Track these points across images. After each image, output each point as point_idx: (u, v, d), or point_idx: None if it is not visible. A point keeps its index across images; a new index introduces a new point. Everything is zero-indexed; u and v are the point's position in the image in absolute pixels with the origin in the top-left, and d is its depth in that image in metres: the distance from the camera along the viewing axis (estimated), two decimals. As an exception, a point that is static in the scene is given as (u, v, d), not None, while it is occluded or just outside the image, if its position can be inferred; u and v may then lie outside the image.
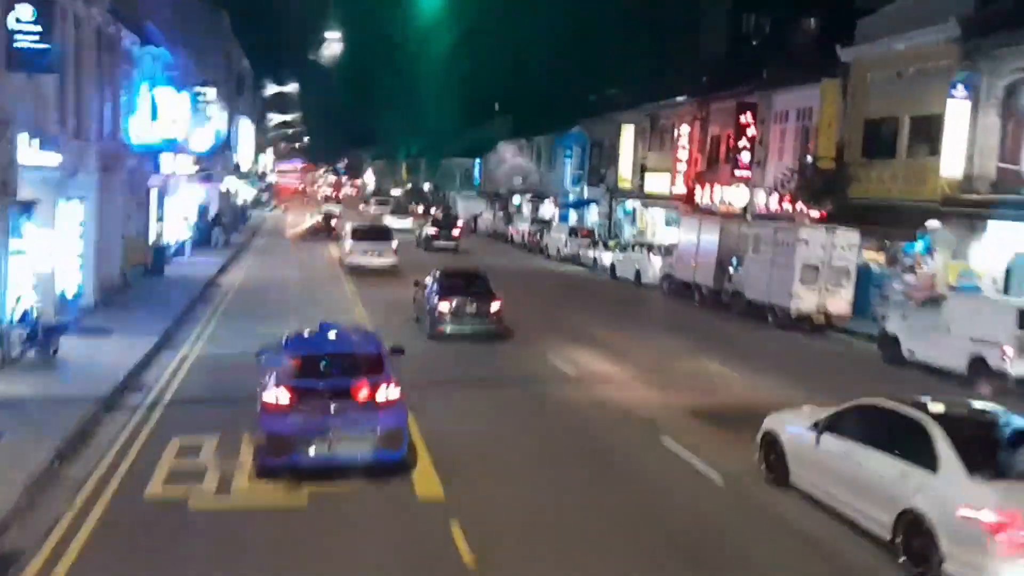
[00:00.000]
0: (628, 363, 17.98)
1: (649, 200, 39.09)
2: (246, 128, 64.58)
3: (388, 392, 10.41)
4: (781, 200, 28.74)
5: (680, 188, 35.11)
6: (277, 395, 10.15)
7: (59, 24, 16.98)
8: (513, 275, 33.82)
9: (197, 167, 35.81)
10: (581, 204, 47.34)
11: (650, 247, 32.03)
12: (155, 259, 27.32)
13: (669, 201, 36.50)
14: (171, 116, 27.45)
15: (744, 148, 30.15)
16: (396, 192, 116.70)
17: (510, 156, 61.45)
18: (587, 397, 15.08)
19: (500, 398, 14.87)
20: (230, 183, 53.85)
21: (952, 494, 8.08)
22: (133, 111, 25.31)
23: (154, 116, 26.94)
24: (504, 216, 56.60)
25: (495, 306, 19.58)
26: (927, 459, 8.47)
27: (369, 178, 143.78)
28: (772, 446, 10.78)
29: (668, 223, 39.06)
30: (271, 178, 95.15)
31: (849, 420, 9.78)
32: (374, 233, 32.91)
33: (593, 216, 47.38)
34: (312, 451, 9.99)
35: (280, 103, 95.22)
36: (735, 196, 30.76)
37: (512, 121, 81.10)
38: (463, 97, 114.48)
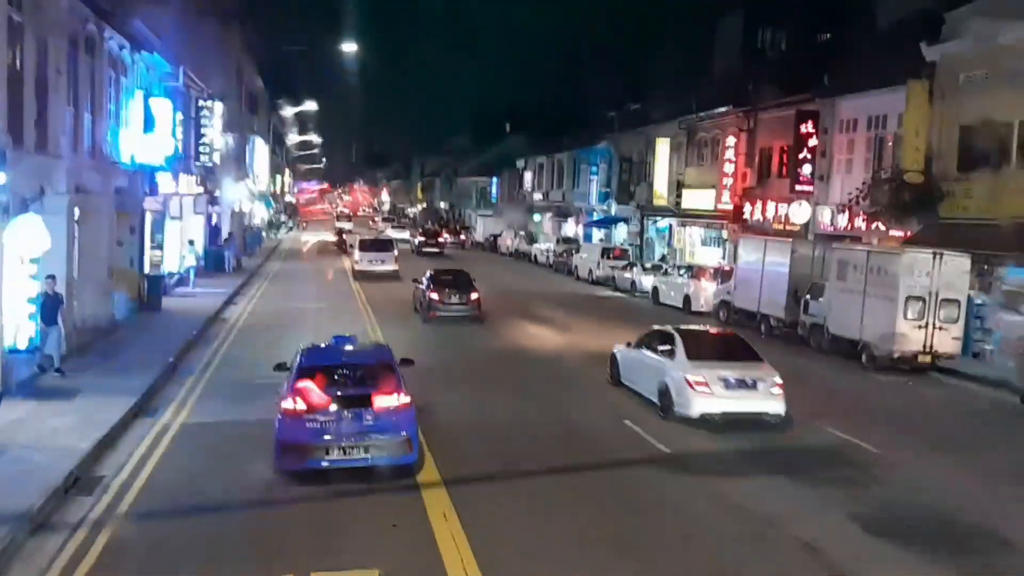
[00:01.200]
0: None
1: (687, 218, 34.71)
2: (261, 148, 60.56)
3: (398, 400, 10.51)
4: (852, 218, 24.38)
5: (727, 205, 30.71)
6: (291, 402, 10.32)
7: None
8: (545, 300, 29.58)
9: (203, 187, 31.73)
10: (609, 222, 42.99)
11: (700, 270, 27.56)
12: (151, 292, 23.02)
13: (713, 219, 32.13)
14: (169, 130, 23.24)
15: (805, 160, 25.80)
16: (412, 211, 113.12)
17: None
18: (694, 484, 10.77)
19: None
20: (244, 204, 49.78)
21: (680, 370, 13.56)
22: (123, 124, 21.14)
23: (149, 130, 22.75)
24: (526, 235, 52.28)
25: (474, 296, 23.51)
26: (672, 354, 14.02)
27: (385, 198, 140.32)
28: (612, 361, 16.10)
29: (705, 242, 34.77)
30: (288, 198, 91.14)
31: (643, 340, 15.32)
32: (378, 244, 36.80)
33: (621, 235, 43.04)
34: (328, 456, 10.11)
35: (296, 124, 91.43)
36: (795, 213, 26.37)
37: (525, 140, 77.52)
38: (476, 116, 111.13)
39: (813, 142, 25.62)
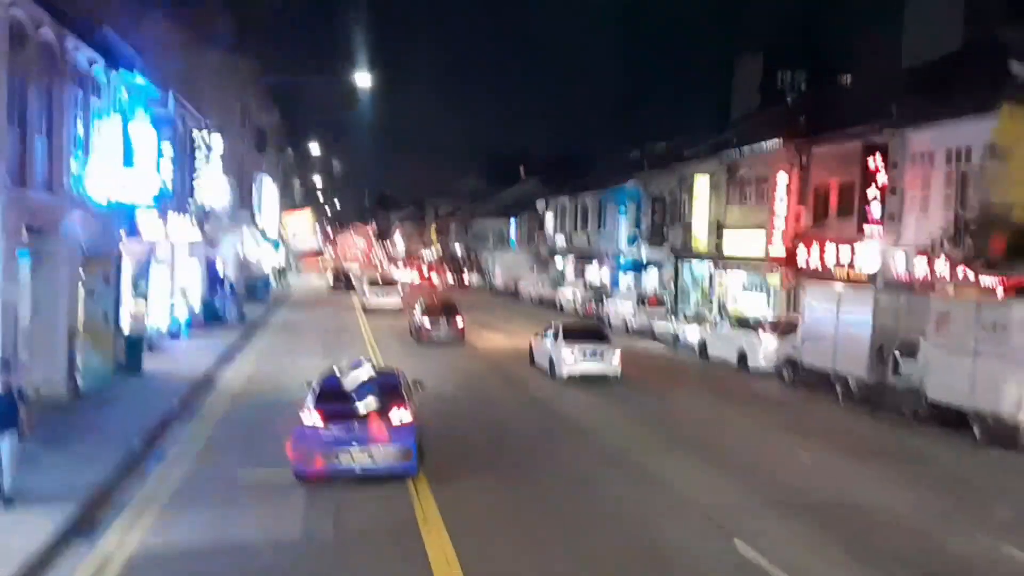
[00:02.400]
0: (836, 530, 10.13)
1: (729, 262, 31.42)
2: (269, 188, 57.85)
3: (401, 416, 11.99)
4: (931, 262, 21.02)
5: (777, 248, 27.41)
6: (311, 417, 11.92)
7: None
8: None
9: (199, 230, 28.76)
10: (640, 267, 39.70)
11: (758, 323, 24.13)
12: (129, 352, 19.83)
13: (760, 263, 28.81)
14: (152, 163, 20.30)
15: (874, 199, 22.53)
16: (425, 253, 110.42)
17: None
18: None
19: None
20: (249, 248, 46.89)
21: (560, 347, 20.71)
22: (92, 153, 18.15)
23: (128, 162, 19.80)
24: (551, 280, 49.10)
25: (459, 322, 27.97)
26: (557, 337, 21.24)
27: (398, 240, 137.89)
28: (529, 349, 23.58)
29: (748, 288, 31.42)
30: (298, 241, 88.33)
31: (540, 332, 23.00)
32: (385, 282, 43.44)
33: (652, 280, 39.75)
34: (339, 462, 11.55)
35: (306, 166, 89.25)
36: (862, 258, 23.04)
37: (540, 182, 74.95)
38: (489, 158, 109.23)
39: (882, 178, 22.36)
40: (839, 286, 20.88)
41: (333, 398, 12.17)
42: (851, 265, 23.64)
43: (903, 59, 27.42)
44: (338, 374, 12.91)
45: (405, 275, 62.23)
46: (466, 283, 66.02)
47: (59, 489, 10.69)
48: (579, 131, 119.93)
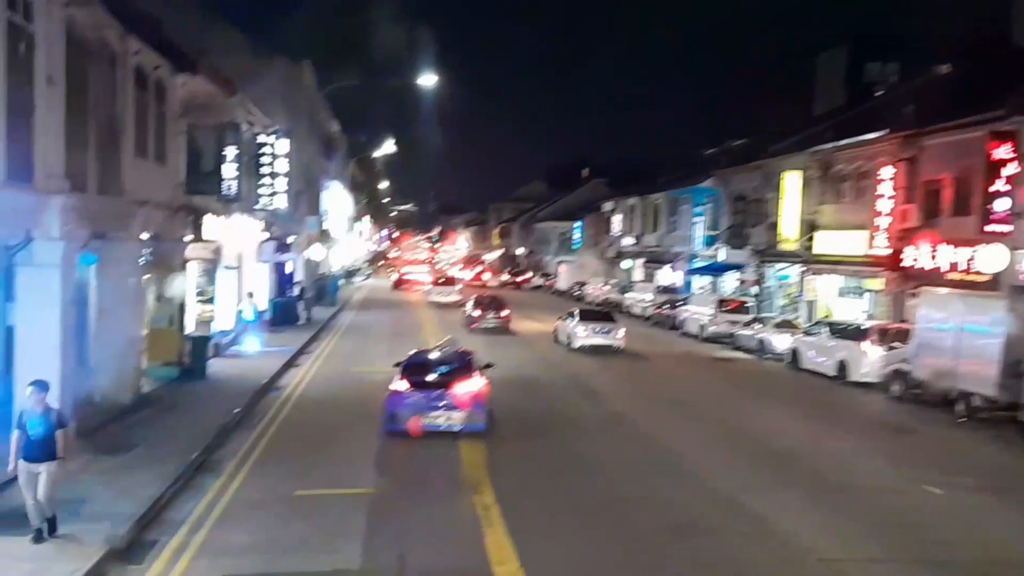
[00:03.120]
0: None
1: (821, 264, 29.31)
2: (337, 194, 57.58)
3: (471, 386, 14.45)
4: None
5: (880, 249, 25.28)
6: (399, 385, 14.47)
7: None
8: (657, 362, 24.58)
9: (268, 233, 28.08)
10: (717, 269, 37.71)
11: (861, 331, 22.10)
12: (195, 356, 19.04)
13: (860, 266, 26.70)
14: (213, 164, 19.49)
15: (1000, 193, 20.35)
16: (488, 257, 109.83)
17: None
18: None
19: None
20: (316, 252, 46.46)
21: (575, 326, 26.46)
22: (153, 156, 17.38)
23: (193, 166, 19.05)
24: (617, 284, 47.34)
25: (504, 313, 31.78)
26: (574, 318, 27.00)
27: (462, 244, 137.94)
28: (554, 330, 28.66)
29: (843, 293, 29.26)
30: (369, 246, 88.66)
31: (562, 317, 28.47)
32: (445, 281, 49.08)
33: (730, 284, 37.74)
34: (424, 421, 13.98)
35: (373, 172, 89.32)
36: (984, 259, 20.86)
37: (605, 183, 73.29)
38: (552, 162, 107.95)
39: (1011, 170, 20.14)
40: (961, 292, 18.78)
41: (418, 370, 15.00)
42: (968, 268, 21.48)
43: (1015, 40, 25.39)
44: (424, 352, 16.47)
45: (463, 275, 65.78)
46: (522, 284, 68.24)
47: (110, 506, 9.74)
48: (647, 132, 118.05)
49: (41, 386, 9.08)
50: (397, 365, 15.48)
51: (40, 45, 11.92)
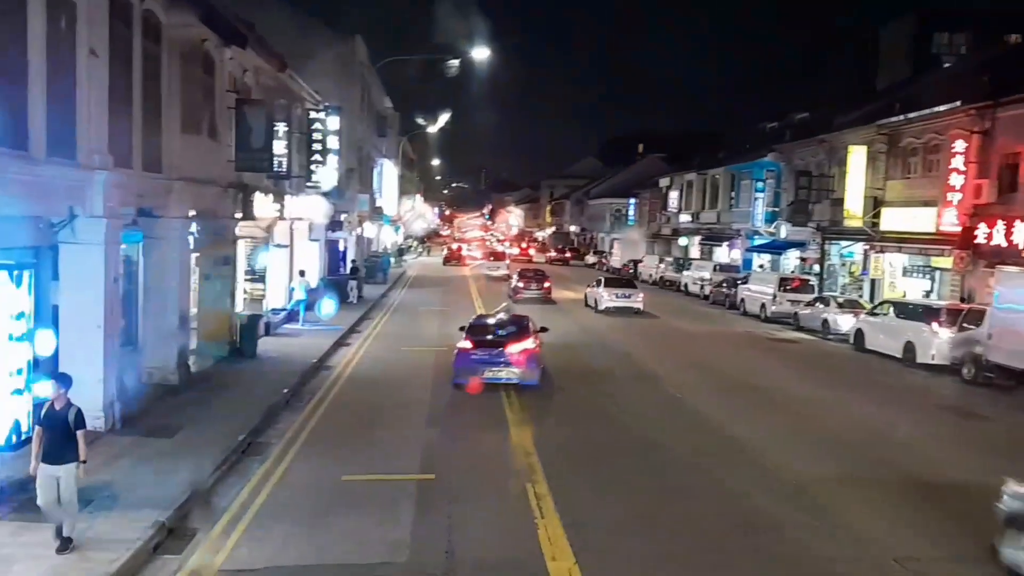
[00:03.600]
0: None
1: (886, 242, 27.96)
2: (389, 171, 57.43)
3: (527, 346, 16.38)
4: None
5: (951, 225, 23.93)
6: (465, 344, 16.44)
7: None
8: (712, 343, 23.74)
9: (319, 211, 27.86)
10: (778, 247, 36.45)
11: (931, 311, 20.92)
12: (244, 335, 18.88)
13: (928, 243, 25.37)
14: (263, 141, 19.20)
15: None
16: (540, 235, 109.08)
17: None
18: None
19: None
20: (368, 230, 46.42)
21: (601, 291, 31.10)
22: (203, 132, 17.13)
23: (242, 142, 18.78)
24: (675, 262, 46.25)
25: (546, 285, 34.65)
26: (600, 285, 31.81)
27: (513, 221, 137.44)
28: (584, 296, 33.02)
29: (909, 272, 27.93)
30: (417, 224, 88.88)
31: (592, 285, 32.81)
32: (495, 256, 53.82)
33: (791, 262, 36.46)
34: (487, 375, 15.96)
35: (426, 150, 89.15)
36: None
37: (661, 159, 71.77)
38: (606, 138, 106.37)
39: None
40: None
41: (481, 331, 17.07)
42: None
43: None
44: (485, 316, 19.14)
45: (511, 251, 67.60)
46: (569, 260, 70.37)
47: (151, 492, 9.48)
48: (704, 107, 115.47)
49: (64, 380, 8.39)
50: (462, 329, 17.44)
51: (82, 17, 11.62)
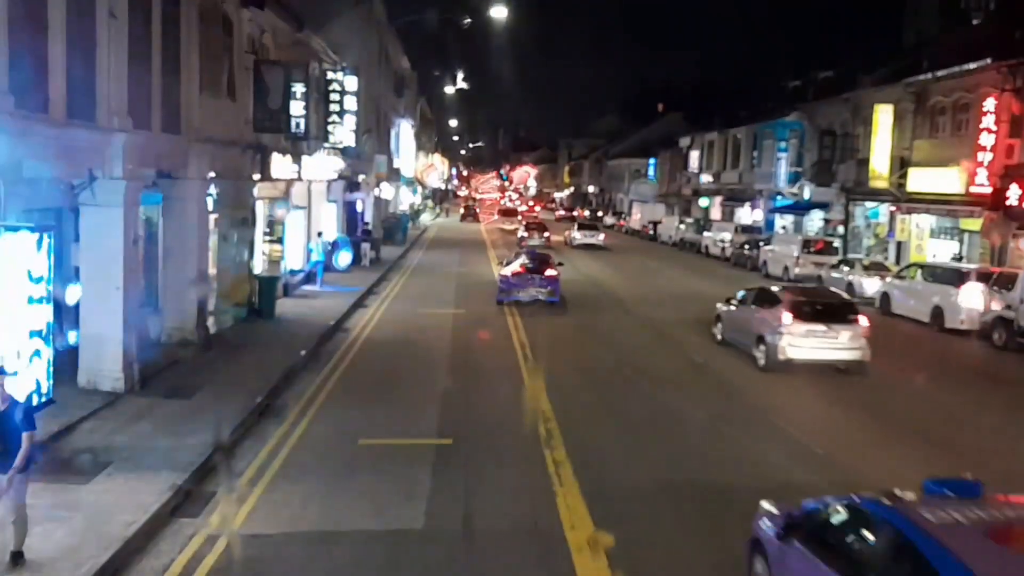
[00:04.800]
0: None
1: (913, 203, 27.40)
2: (406, 131, 56.99)
3: (551, 271, 22.22)
4: None
5: (982, 187, 23.36)
6: (508, 272, 22.40)
7: None
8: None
9: (336, 172, 27.67)
10: (802, 208, 35.88)
11: (960, 274, 20.50)
12: (263, 296, 18.87)
13: (957, 205, 24.82)
14: (281, 101, 18.96)
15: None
16: (558, 195, 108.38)
17: None
18: None
19: None
20: (387, 190, 46.17)
21: (574, 232, 45.43)
22: (222, 93, 16.94)
23: (260, 102, 18.56)
24: (695, 223, 45.74)
25: (547, 235, 41.01)
26: (575, 227, 46.34)
27: (531, 182, 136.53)
28: (564, 238, 44.75)
29: (936, 233, 27.40)
30: (437, 183, 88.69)
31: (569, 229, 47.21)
32: (508, 213, 64.45)
33: (815, 223, 35.92)
34: (521, 295, 21.65)
35: (444, 109, 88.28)
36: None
37: (682, 118, 70.54)
38: (626, 96, 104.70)
39: None
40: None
41: (523, 263, 22.84)
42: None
43: None
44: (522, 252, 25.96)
45: (521, 209, 76.81)
46: (577, 217, 68.14)
47: (169, 454, 9.49)
48: (727, 62, 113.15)
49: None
50: (501, 264, 25.96)
51: (100, -22, 11.40)
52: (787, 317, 14.83)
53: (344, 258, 27.12)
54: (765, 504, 6.90)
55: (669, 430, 11.76)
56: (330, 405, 12.49)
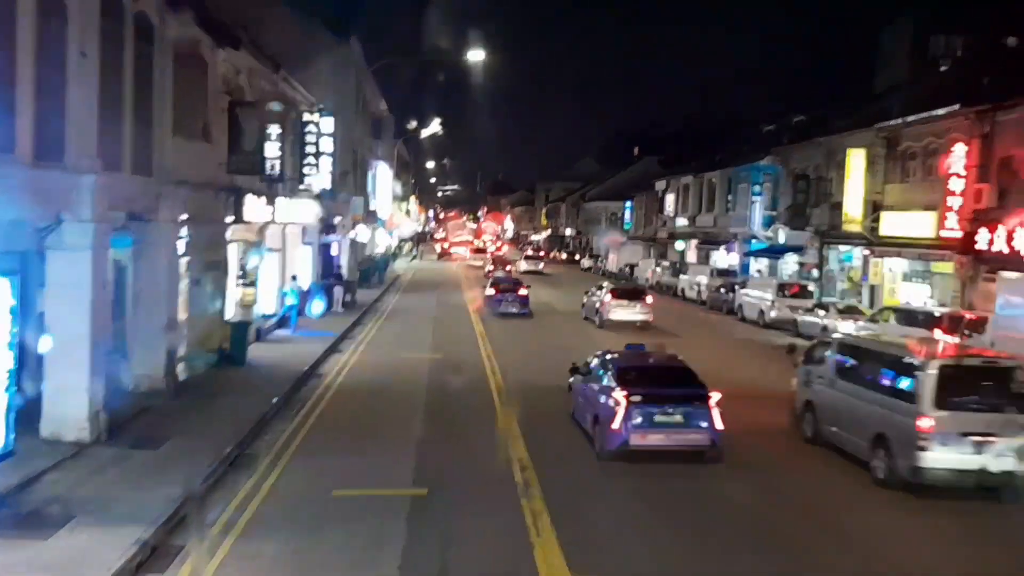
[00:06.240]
0: None
1: (886, 247, 27.80)
2: (384, 174, 57.11)
3: (524, 291, 31.79)
4: None
5: (953, 231, 23.75)
6: (490, 291, 32.20)
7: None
8: (713, 349, 23.39)
9: (312, 214, 27.57)
10: (776, 251, 36.27)
11: (929, 317, 20.74)
12: (235, 341, 18.59)
13: (928, 248, 25.20)
14: (256, 143, 18.93)
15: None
16: (535, 238, 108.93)
17: None
18: None
19: None
20: (362, 233, 46.08)
21: (520, 262, 57.41)
22: (196, 135, 16.88)
23: (237, 145, 18.51)
24: (671, 266, 46.03)
25: (509, 268, 48.90)
26: (523, 259, 61.19)
27: (508, 224, 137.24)
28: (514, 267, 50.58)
29: (909, 277, 27.76)
30: (414, 226, 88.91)
31: (522, 257, 63.50)
32: (479, 252, 72.75)
33: (789, 266, 36.30)
34: (501, 308, 30.62)
35: (421, 152, 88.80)
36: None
37: (658, 162, 71.54)
38: (603, 140, 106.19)
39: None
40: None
41: (500, 283, 32.86)
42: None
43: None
44: (499, 276, 36.47)
45: (491, 249, 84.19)
46: (543, 258, 68.15)
47: (135, 507, 9.20)
48: (702, 108, 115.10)
49: None
50: (484, 286, 34.45)
51: (73, 18, 11.39)
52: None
53: (317, 306, 26.85)
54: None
55: (643, 470, 11.62)
56: (303, 454, 12.24)
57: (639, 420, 11.68)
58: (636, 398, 11.81)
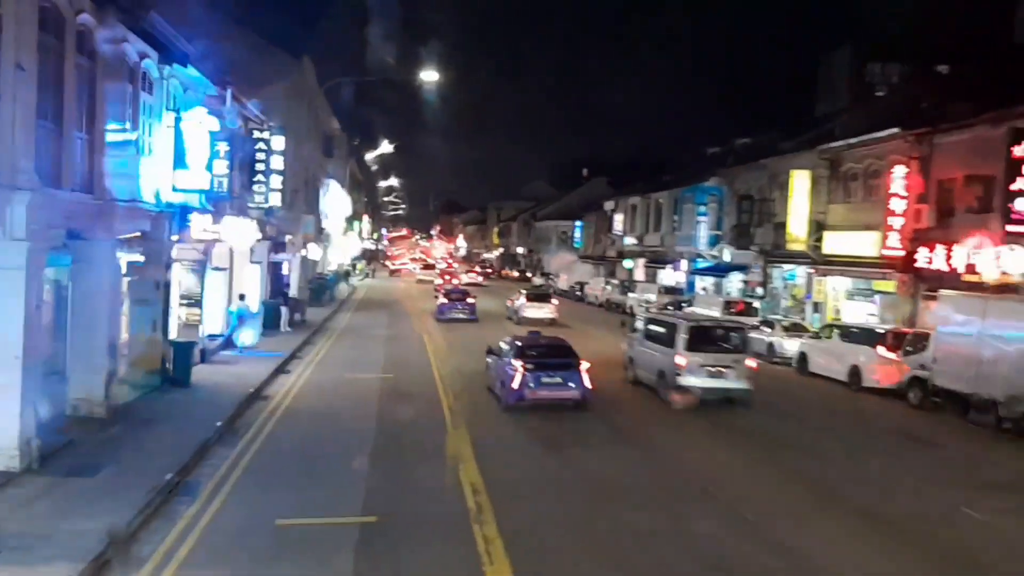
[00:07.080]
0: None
1: (829, 266, 28.20)
2: (336, 192, 56.33)
3: (472, 300, 35.73)
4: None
5: (894, 250, 24.16)
6: (441, 301, 36.08)
7: None
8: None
9: (261, 233, 26.87)
10: (721, 270, 36.61)
11: (872, 334, 21.00)
12: (177, 363, 17.86)
13: (870, 267, 25.61)
14: (205, 161, 18.32)
15: (1021, 192, 19.25)
16: (487, 256, 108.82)
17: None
18: None
19: None
20: (313, 251, 45.28)
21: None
22: (143, 152, 16.27)
23: (180, 162, 17.87)
24: (620, 285, 46.16)
25: (455, 280, 54.44)
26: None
27: (461, 243, 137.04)
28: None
29: (853, 295, 28.18)
30: (366, 244, 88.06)
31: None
32: (429, 268, 76.38)
33: (734, 284, 36.66)
34: (449, 315, 34.17)
35: (374, 171, 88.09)
36: (1008, 260, 19.76)
37: (607, 182, 72.20)
38: (554, 161, 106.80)
39: (1031, 168, 19.06)
40: (986, 297, 17.63)
41: (451, 293, 36.74)
42: (996, 270, 20.33)
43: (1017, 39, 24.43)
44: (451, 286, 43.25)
45: (440, 266, 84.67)
46: (487, 275, 76.39)
47: (67, 540, 8.62)
48: (649, 132, 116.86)
49: None
50: (436, 296, 38.32)
51: (8, 28, 10.82)
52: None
53: (246, 336, 23.12)
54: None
55: (600, 494, 11.38)
56: (246, 481, 11.68)
57: (531, 382, 16.18)
58: (529, 366, 16.34)
